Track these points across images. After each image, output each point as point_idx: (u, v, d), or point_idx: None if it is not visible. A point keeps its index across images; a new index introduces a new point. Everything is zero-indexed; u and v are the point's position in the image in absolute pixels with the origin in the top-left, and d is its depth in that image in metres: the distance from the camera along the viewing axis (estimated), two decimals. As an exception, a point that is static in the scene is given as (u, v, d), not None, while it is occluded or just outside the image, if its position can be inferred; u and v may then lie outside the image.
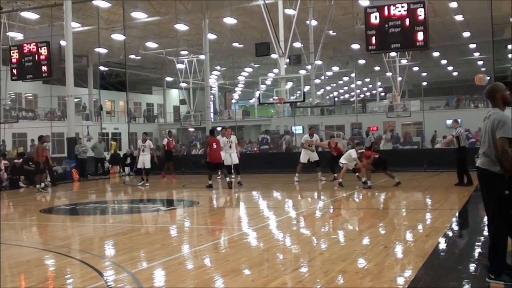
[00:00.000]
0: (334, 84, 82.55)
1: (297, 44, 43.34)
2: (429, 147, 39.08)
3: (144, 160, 23.66)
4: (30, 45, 26.65)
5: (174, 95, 71.96)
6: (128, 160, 31.41)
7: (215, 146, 20.52)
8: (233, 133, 23.34)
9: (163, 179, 26.85)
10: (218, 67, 67.45)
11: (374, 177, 19.31)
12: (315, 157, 22.26)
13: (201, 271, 8.13)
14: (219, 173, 23.90)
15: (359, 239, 10.39)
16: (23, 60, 26.70)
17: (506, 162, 6.56)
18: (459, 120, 20.41)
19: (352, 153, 19.65)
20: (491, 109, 6.88)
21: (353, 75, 65.67)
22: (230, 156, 21.48)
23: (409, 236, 10.49)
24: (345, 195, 17.77)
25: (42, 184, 22.97)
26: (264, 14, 34.88)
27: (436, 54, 58.02)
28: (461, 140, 18.37)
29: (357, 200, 17.14)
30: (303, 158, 22.26)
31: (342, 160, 19.79)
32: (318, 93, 65.11)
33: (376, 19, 20.65)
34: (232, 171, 22.30)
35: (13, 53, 27.04)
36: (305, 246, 9.82)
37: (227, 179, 20.83)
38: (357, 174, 19.90)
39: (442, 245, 9.29)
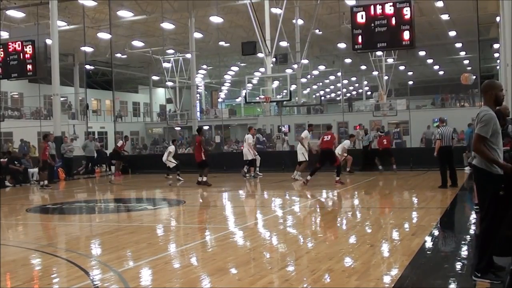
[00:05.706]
0: (321, 83, 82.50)
1: (284, 43, 43.40)
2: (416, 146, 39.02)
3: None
4: (15, 44, 26.48)
5: (161, 94, 71.73)
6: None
7: None
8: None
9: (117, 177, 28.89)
10: (205, 66, 67.26)
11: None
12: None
13: (187, 270, 8.12)
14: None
15: (346, 238, 10.41)
16: (8, 58, 26.53)
17: (483, 158, 6.58)
18: (445, 118, 19.67)
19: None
20: (481, 107, 6.86)
21: (339, 74, 65.63)
22: None
23: (395, 234, 10.51)
24: (331, 194, 17.80)
25: (46, 181, 23.77)
26: (250, 13, 34.86)
27: (422, 53, 58.12)
28: (444, 139, 17.73)
29: (343, 199, 17.14)
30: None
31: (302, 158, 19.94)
32: (305, 92, 65.02)
33: (362, 18, 20.70)
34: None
35: (-2, 51, 26.89)
36: (291, 245, 9.82)
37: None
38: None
39: (429, 243, 9.32)
